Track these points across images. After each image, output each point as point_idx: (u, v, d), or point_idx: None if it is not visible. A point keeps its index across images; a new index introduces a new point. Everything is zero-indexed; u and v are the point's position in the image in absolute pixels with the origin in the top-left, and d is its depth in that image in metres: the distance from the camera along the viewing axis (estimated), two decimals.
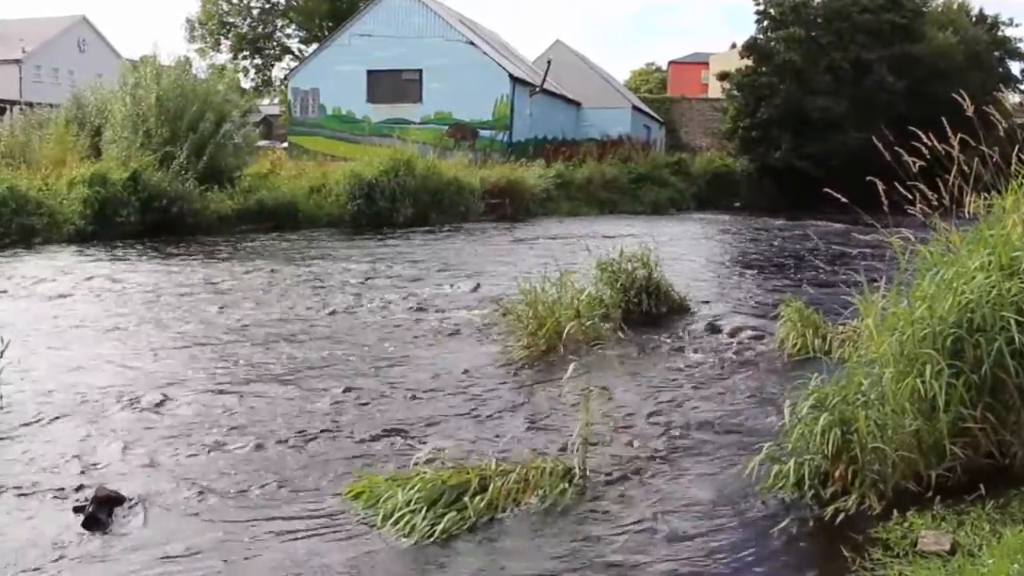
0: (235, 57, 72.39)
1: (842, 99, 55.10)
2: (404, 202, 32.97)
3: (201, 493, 6.91)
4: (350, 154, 42.06)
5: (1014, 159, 7.43)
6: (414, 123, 49.89)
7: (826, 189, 8.86)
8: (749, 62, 58.96)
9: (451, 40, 49.94)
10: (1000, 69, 65.29)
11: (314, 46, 62.54)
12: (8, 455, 7.66)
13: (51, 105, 36.48)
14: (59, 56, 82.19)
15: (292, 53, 74.17)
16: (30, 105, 38.05)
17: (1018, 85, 65.37)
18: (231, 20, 72.52)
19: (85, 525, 6.32)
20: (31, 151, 29.76)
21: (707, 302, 14.90)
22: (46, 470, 7.30)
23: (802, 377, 7.22)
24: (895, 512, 6.18)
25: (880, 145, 7.86)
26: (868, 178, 7.69)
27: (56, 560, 5.93)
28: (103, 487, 6.76)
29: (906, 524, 6.05)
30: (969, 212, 7.44)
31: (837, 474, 6.51)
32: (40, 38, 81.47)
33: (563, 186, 44.01)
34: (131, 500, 6.70)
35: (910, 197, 7.40)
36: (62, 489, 6.91)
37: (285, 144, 52.96)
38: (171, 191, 27.16)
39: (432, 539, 6.17)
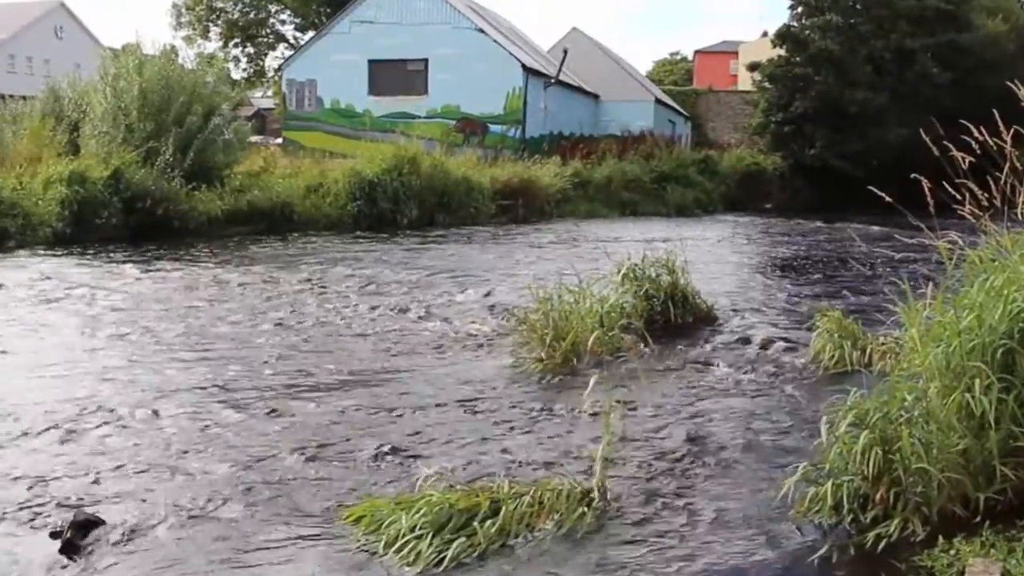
0: (225, 45, 72.57)
1: (882, 92, 55.11)
2: (408, 203, 33.12)
3: (186, 517, 6.90)
4: (350, 151, 42.06)
5: None
6: (419, 117, 49.98)
7: (870, 187, 8.86)
8: (782, 51, 59.03)
9: (459, 28, 50.02)
10: None
11: (311, 34, 62.80)
12: None
13: (25, 97, 36.54)
14: (34, 44, 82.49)
15: (287, 41, 74.52)
16: (2, 97, 38.12)
17: None
18: (221, 5, 72.67)
19: (62, 551, 6.31)
20: (4, 147, 29.84)
21: (737, 311, 14.88)
22: (19, 492, 7.30)
23: (840, 392, 7.18)
24: (940, 538, 6.16)
25: (927, 140, 7.85)
26: (912, 176, 7.67)
27: None
28: (81, 511, 6.76)
29: (952, 551, 6.03)
30: (1022, 213, 7.42)
31: (878, 497, 6.49)
32: (14, 25, 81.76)
33: (580, 186, 44.08)
34: (111, 525, 6.70)
35: (958, 197, 7.38)
36: (37, 513, 6.91)
37: (279, 140, 53.03)
38: (155, 191, 27.26)
39: (439, 567, 6.16)
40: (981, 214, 7.33)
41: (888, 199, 7.82)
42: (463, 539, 6.34)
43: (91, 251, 23.16)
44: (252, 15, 73.40)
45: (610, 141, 53.65)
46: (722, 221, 43.11)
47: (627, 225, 36.58)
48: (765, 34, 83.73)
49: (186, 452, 8.29)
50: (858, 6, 58.19)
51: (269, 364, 11.68)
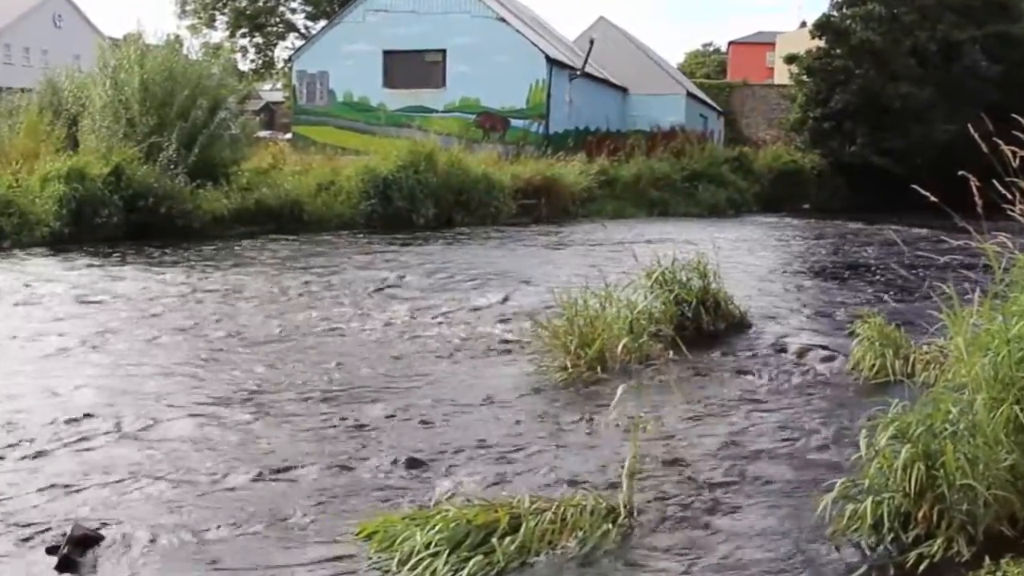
0: (232, 35, 72.53)
1: (927, 86, 54.89)
2: (425, 202, 33.14)
3: (190, 532, 6.91)
4: (363, 147, 42.04)
5: None
6: (437, 111, 49.90)
7: (913, 186, 8.83)
8: (821, 43, 58.82)
9: (479, 16, 49.93)
10: None
11: (323, 23, 62.74)
12: None
13: (22, 89, 36.66)
14: (31, 34, 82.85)
15: (297, 31, 74.41)
16: None
17: None
18: None
19: (59, 568, 6.32)
20: None
21: (772, 317, 14.86)
22: (14, 505, 7.32)
23: (881, 404, 7.15)
24: (987, 559, 6.12)
25: (976, 136, 7.81)
26: (960, 173, 7.63)
27: None
28: (79, 525, 6.77)
29: (999, 573, 5.99)
30: None
31: (921, 515, 6.46)
32: (10, 13, 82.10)
33: (607, 184, 44.05)
34: (111, 540, 6.72)
35: (1008, 196, 7.35)
36: (33, 527, 6.93)
37: (289, 135, 53.14)
38: (158, 188, 27.27)
39: None
40: None
41: (933, 199, 7.79)
42: (481, 557, 6.33)
43: (90, 252, 23.21)
44: (261, 3, 73.37)
45: (638, 137, 53.51)
46: (757, 222, 43.02)
47: (656, 226, 36.51)
48: (803, 24, 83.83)
49: (190, 463, 8.30)
50: None
51: (277, 371, 11.70)
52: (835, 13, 59.49)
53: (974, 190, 7.27)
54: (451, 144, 39.14)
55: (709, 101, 71.51)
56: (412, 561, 6.32)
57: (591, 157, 45.28)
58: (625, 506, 6.99)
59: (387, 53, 50.68)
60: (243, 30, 73.35)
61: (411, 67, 50.44)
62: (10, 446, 8.68)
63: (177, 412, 9.83)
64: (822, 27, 58.95)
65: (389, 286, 18.43)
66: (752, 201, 52.63)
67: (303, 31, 72.83)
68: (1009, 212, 7.37)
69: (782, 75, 76.45)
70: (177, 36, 36.80)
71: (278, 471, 8.13)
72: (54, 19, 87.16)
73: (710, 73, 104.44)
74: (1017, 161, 7.24)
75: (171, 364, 12.04)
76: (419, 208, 32.93)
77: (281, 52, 74.12)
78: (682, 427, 9.45)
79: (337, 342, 13.56)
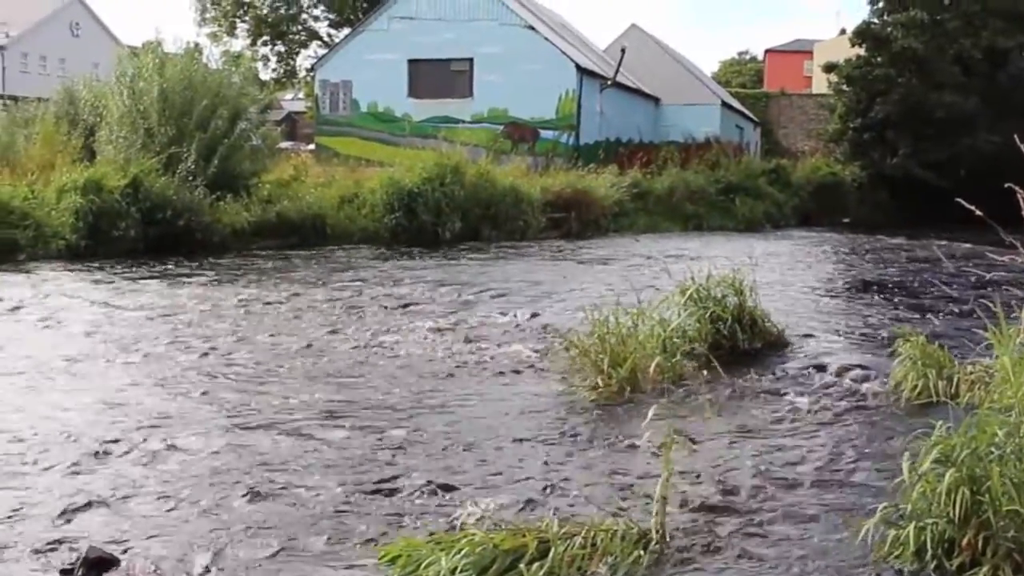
0: (253, 43, 72.71)
1: (972, 95, 54.69)
2: (451, 215, 33.14)
3: (208, 554, 6.90)
4: (388, 158, 42.08)
5: None
6: (463, 122, 49.96)
7: (958, 200, 8.79)
8: (861, 51, 58.69)
9: (508, 24, 49.96)
10: None
11: (346, 31, 62.82)
12: None
13: (39, 99, 36.81)
14: (49, 42, 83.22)
15: (320, 39, 74.57)
16: (14, 99, 38.48)
17: None
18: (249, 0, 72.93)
19: None
20: (15, 153, 30.12)
21: (810, 336, 14.81)
22: (27, 525, 7.33)
23: (923, 426, 7.11)
24: None
25: (1023, 147, 7.77)
26: (1007, 186, 7.59)
27: None
28: (94, 547, 6.77)
29: None
30: None
31: (965, 541, 6.41)
32: (27, 21, 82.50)
33: (639, 197, 43.99)
34: (127, 563, 6.72)
35: None
36: (46, 548, 6.93)
37: (311, 146, 53.21)
38: (177, 201, 27.39)
39: None
40: None
41: (978, 213, 7.75)
42: None
43: (107, 265, 23.30)
44: (283, 10, 73.46)
45: (672, 148, 53.39)
46: (795, 237, 42.92)
47: (691, 240, 36.47)
48: (843, 32, 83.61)
49: (208, 484, 8.30)
50: (946, 1, 57.70)
51: (298, 390, 11.69)
52: (875, 20, 59.36)
53: (1021, 203, 7.23)
54: (478, 156, 39.16)
55: (745, 111, 71.46)
56: None
57: (623, 169, 45.27)
58: (657, 531, 6.95)
59: (412, 62, 50.77)
60: (264, 38, 73.52)
61: (437, 76, 50.48)
62: (23, 465, 8.69)
63: (196, 432, 9.84)
64: (862, 34, 58.79)
65: (414, 302, 18.45)
66: (790, 215, 52.53)
67: (326, 39, 73.01)
68: None
69: (820, 84, 76.26)
70: (197, 44, 36.72)
71: (298, 492, 8.11)
72: (71, 27, 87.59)
73: (746, 82, 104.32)
74: None
75: (190, 383, 12.04)
76: (445, 222, 32.95)
77: (303, 61, 74.46)
78: (717, 449, 9.41)
79: (360, 360, 13.56)
